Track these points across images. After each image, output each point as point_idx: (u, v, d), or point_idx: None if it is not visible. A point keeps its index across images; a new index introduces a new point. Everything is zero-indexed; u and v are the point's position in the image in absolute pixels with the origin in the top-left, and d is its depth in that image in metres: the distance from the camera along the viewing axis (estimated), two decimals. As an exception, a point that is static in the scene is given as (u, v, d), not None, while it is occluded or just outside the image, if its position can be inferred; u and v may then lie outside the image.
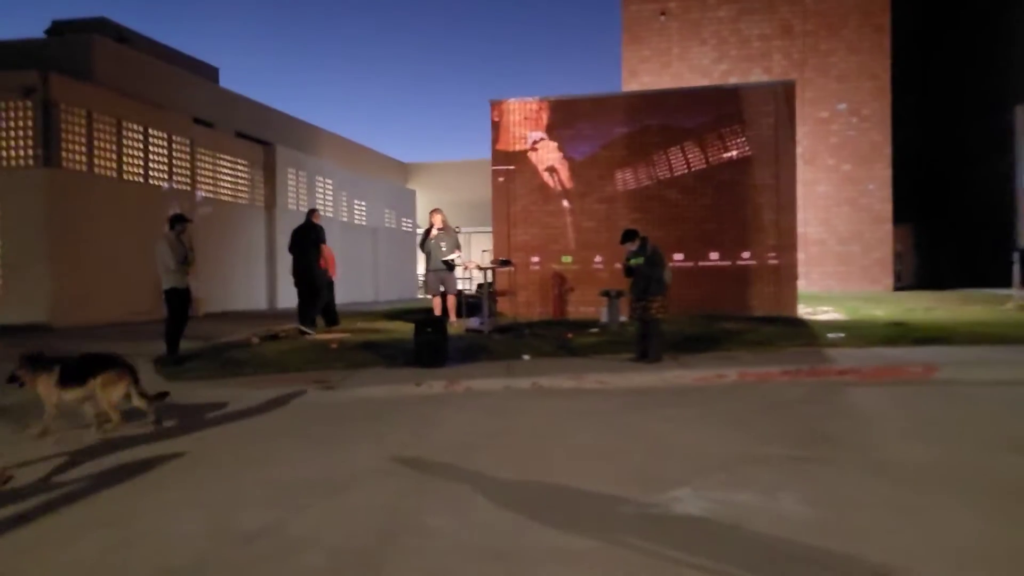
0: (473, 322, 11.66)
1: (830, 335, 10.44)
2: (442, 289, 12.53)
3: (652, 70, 24.56)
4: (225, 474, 5.27)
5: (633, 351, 9.23)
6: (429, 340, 9.07)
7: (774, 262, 13.75)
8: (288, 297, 24.53)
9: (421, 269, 39.22)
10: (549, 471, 5.09)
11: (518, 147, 14.81)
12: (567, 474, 5.00)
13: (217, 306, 21.03)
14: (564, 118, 14.73)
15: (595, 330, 11.50)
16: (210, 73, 27.26)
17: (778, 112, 13.69)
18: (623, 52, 25.05)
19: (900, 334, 10.39)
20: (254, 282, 24.10)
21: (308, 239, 12.87)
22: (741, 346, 9.93)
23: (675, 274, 14.23)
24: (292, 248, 12.85)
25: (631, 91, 16.55)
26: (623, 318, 11.63)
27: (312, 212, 13.29)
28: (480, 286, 11.72)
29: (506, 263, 12.08)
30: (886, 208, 23.19)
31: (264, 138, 25.39)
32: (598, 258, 14.39)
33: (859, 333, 10.66)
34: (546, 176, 14.70)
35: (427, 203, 38.73)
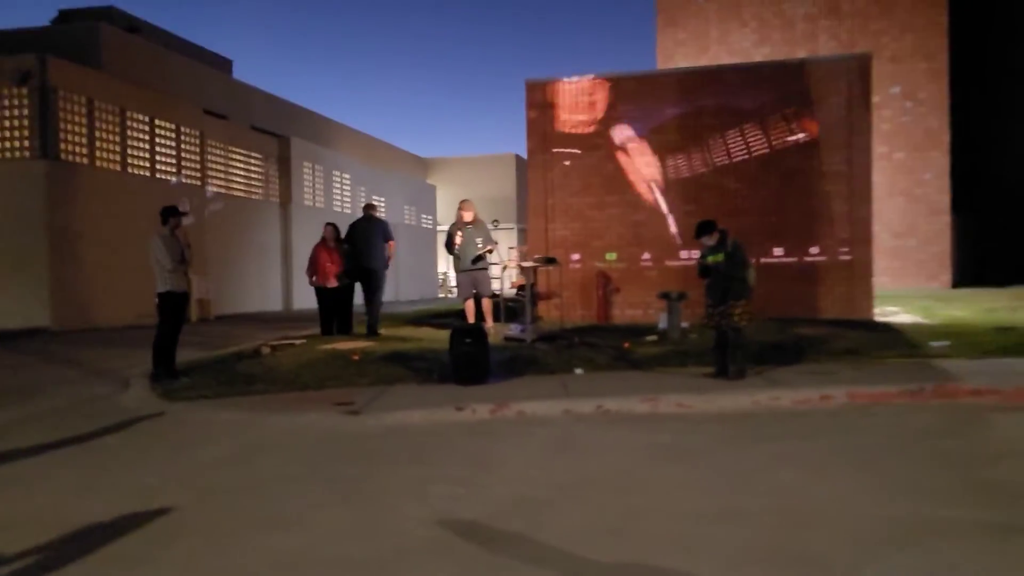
0: (513, 329, 10.26)
1: (933, 344, 8.98)
2: (475, 291, 11.15)
3: (689, 54, 23.09)
4: (223, 542, 3.96)
5: (708, 364, 7.85)
6: (468, 352, 7.73)
7: (846, 258, 12.28)
8: (305, 298, 23.32)
9: (443, 268, 38.08)
10: (649, 544, 3.75)
11: (557, 132, 13.43)
12: (675, 550, 3.66)
13: (229, 308, 19.82)
14: (607, 99, 13.33)
15: (653, 338, 10.08)
16: (223, 65, 26.11)
17: (851, 90, 12.21)
18: (658, 36, 23.61)
19: (1016, 342, 8.91)
20: (268, 282, 22.88)
21: (376, 234, 11.98)
22: (830, 357, 8.51)
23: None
24: (357, 243, 11.97)
25: (683, 68, 15.12)
26: (685, 324, 10.22)
27: (371, 207, 12.32)
28: (520, 288, 10.33)
29: (551, 261, 10.66)
30: (943, 199, 21.62)
31: (279, 132, 24.16)
32: (646, 255, 12.99)
33: (964, 341, 9.19)
34: (587, 164, 13.30)
35: (447, 199, 37.46)
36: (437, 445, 5.77)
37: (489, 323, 10.89)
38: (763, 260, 12.52)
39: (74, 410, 7.40)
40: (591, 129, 13.30)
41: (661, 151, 13.01)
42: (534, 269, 10.29)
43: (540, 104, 13.46)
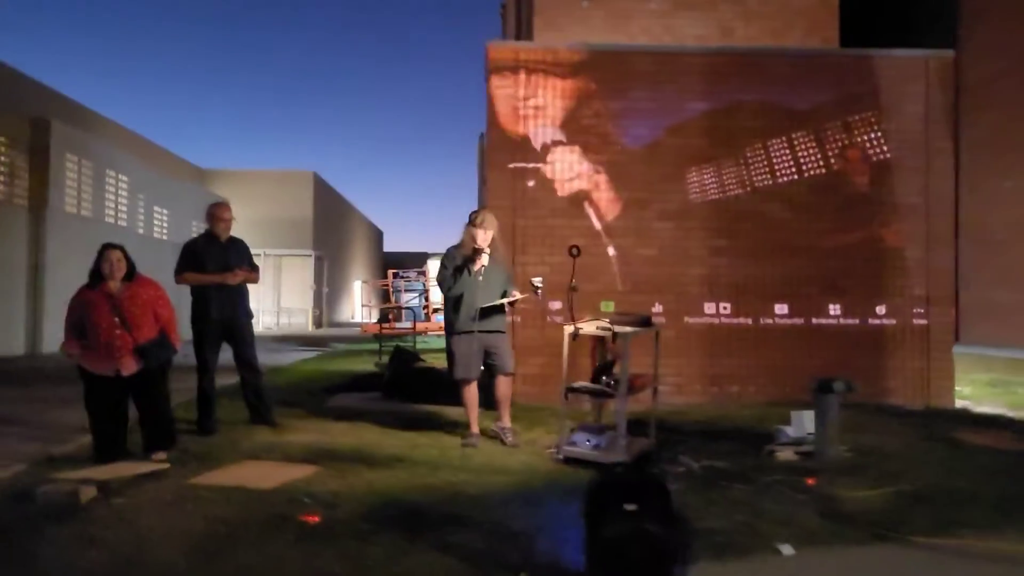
0: (581, 443, 5.72)
1: None
2: (487, 365, 6.54)
3: (569, 65, 19.81)
4: None
5: (984, 524, 4.12)
6: (642, 537, 3.43)
7: (921, 322, 9.23)
8: (59, 338, 16.67)
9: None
10: None
11: (532, 123, 9.33)
12: None
13: (-50, 357, 13.29)
14: (607, 81, 9.51)
15: (788, 455, 6.14)
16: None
17: (929, 96, 9.30)
18: (536, 40, 20.12)
19: None
20: (9, 316, 16.24)
21: (235, 261, 7.39)
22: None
23: (779, 334, 9.31)
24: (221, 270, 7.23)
25: (716, 47, 11.52)
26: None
27: (219, 215, 7.26)
28: (604, 368, 5.88)
29: (646, 323, 6.32)
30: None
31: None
32: (658, 307, 9.12)
33: None
34: (576, 172, 9.29)
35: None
36: None
37: (506, 421, 6.44)
38: (815, 320, 9.17)
39: None
40: (583, 121, 9.38)
41: (682, 160, 9.31)
42: (616, 337, 5.77)
43: (508, 81, 9.34)
